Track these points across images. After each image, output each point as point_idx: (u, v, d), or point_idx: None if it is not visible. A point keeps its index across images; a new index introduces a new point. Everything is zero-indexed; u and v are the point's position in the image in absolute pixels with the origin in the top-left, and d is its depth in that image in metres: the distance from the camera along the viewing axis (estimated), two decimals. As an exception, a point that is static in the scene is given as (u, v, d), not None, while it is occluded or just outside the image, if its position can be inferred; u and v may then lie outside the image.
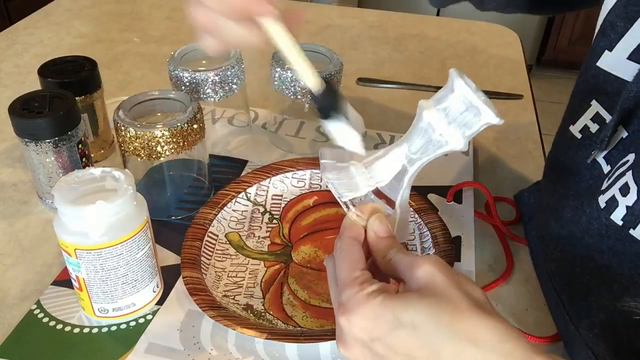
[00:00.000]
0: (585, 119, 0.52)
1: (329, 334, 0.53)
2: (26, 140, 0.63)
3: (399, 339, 0.37)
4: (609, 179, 0.48)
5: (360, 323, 0.38)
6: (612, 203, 0.46)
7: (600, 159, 0.50)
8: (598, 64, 0.50)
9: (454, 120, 0.42)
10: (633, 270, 0.46)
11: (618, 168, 0.47)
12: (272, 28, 0.45)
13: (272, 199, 0.69)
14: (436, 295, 0.37)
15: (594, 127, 0.51)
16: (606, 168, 0.49)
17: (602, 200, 0.47)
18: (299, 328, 0.55)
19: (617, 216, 0.45)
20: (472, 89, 0.41)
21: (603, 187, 0.48)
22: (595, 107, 0.51)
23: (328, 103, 0.45)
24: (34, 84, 0.73)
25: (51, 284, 0.59)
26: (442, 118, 0.42)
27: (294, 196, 0.70)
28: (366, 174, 0.46)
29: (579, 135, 0.53)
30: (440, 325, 0.36)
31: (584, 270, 0.51)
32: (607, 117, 0.50)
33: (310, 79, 0.46)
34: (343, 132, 0.45)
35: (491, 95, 0.92)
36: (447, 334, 0.36)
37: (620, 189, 0.45)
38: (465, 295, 0.37)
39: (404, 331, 0.37)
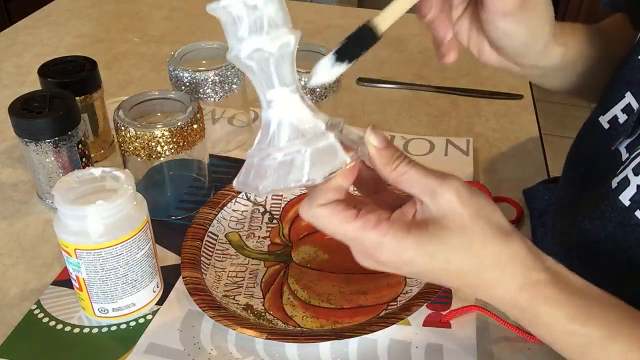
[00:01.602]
0: (616, 110, 0.52)
1: (329, 334, 0.53)
2: (26, 140, 0.63)
3: (429, 269, 0.41)
4: (625, 162, 0.48)
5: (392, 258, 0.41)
6: (624, 182, 0.46)
7: (622, 148, 0.50)
8: (639, 56, 0.50)
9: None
10: (631, 260, 0.46)
11: (635, 151, 0.47)
12: None
13: (272, 198, 0.69)
14: (460, 230, 0.40)
15: (622, 118, 0.51)
16: (625, 156, 0.49)
17: (615, 181, 0.47)
18: (299, 328, 0.55)
19: (626, 196, 0.46)
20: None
21: (618, 171, 0.48)
22: (628, 98, 0.51)
23: (355, 46, 0.40)
24: (34, 84, 0.73)
25: (51, 284, 0.59)
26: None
27: (294, 196, 0.70)
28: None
29: (607, 126, 0.53)
30: (469, 258, 0.40)
31: (581, 262, 0.51)
32: (637, 107, 0.50)
33: (384, 20, 0.42)
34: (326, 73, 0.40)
35: (491, 95, 0.92)
36: (474, 265, 0.40)
37: (633, 169, 0.46)
38: (485, 224, 0.40)
39: (437, 265, 0.40)
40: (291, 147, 0.38)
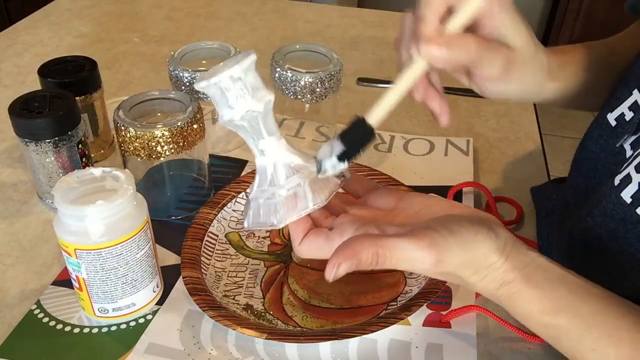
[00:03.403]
0: (623, 107, 0.52)
1: (329, 334, 0.53)
2: (26, 140, 0.63)
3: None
4: (628, 159, 0.48)
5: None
6: (626, 180, 0.46)
7: (627, 145, 0.50)
8: None
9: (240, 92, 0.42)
10: (631, 256, 0.46)
11: (638, 148, 0.48)
12: (416, 65, 0.44)
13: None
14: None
15: (629, 115, 0.51)
16: (629, 153, 0.50)
17: (617, 179, 0.48)
18: (299, 328, 0.55)
19: (628, 193, 0.46)
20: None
21: (621, 169, 0.48)
22: (636, 95, 0.51)
23: (355, 143, 0.43)
24: (34, 84, 0.73)
25: (51, 284, 0.59)
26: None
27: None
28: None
29: (613, 123, 0.53)
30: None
31: (583, 258, 0.51)
32: None
33: (376, 116, 0.44)
34: (329, 173, 0.44)
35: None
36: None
37: (635, 167, 0.46)
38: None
39: None
40: (291, 183, 0.44)
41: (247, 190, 0.48)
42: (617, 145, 0.51)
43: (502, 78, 0.47)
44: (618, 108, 0.52)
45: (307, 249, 0.44)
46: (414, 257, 0.40)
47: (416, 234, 0.41)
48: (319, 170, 0.44)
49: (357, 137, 0.43)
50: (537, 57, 0.50)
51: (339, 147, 0.43)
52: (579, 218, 0.52)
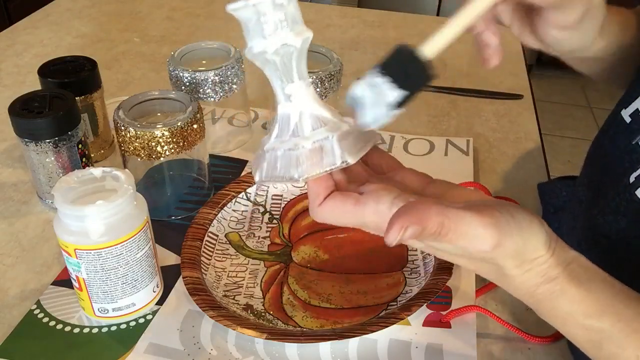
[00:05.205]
0: (637, 103, 0.51)
1: (329, 334, 0.53)
2: (26, 140, 0.63)
3: None
4: None
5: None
6: None
7: None
8: None
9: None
10: None
11: None
12: None
13: (272, 199, 0.69)
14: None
15: None
16: None
17: (632, 176, 0.47)
18: (299, 328, 0.55)
19: None
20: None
21: (636, 166, 0.48)
22: None
23: (407, 73, 0.38)
24: (34, 84, 0.73)
25: (51, 284, 0.59)
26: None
27: (294, 196, 0.70)
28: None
29: (628, 120, 0.52)
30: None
31: (591, 257, 0.51)
32: None
33: (434, 46, 0.38)
34: (377, 100, 0.38)
35: (491, 95, 0.92)
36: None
37: None
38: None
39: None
40: (318, 135, 0.39)
41: (263, 140, 0.43)
42: (633, 143, 0.50)
43: (571, 28, 0.44)
44: (632, 104, 0.51)
45: (329, 211, 0.39)
46: (475, 235, 0.36)
47: (480, 210, 0.36)
48: (361, 119, 0.38)
49: (408, 73, 0.37)
50: (602, 6, 0.46)
51: (387, 88, 0.37)
52: (590, 216, 0.51)
